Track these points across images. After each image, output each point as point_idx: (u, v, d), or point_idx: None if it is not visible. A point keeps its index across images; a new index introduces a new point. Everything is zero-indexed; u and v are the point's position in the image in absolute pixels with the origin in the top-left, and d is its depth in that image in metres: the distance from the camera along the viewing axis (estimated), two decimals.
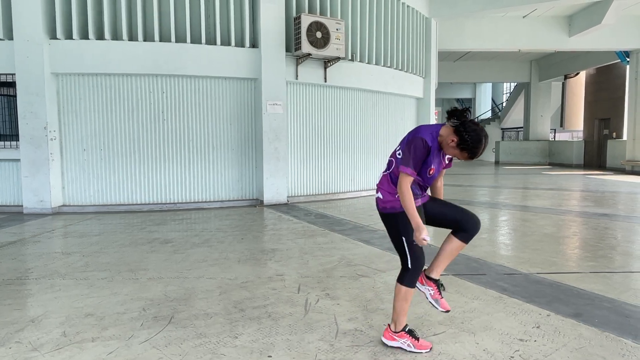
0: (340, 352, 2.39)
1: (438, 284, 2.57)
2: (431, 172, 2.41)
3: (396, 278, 2.46)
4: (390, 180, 2.46)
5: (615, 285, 3.46)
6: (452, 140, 2.29)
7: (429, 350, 2.41)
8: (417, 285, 2.49)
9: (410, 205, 2.27)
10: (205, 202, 7.92)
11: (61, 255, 4.53)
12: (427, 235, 2.24)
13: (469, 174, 15.68)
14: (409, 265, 2.38)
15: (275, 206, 7.88)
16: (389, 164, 2.49)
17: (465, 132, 2.24)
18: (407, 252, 2.38)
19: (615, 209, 7.32)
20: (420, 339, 2.44)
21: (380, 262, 4.19)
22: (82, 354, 2.38)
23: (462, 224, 2.46)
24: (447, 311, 2.55)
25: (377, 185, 2.55)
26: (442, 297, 2.56)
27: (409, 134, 2.44)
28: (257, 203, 8.11)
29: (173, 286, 3.50)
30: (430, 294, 2.54)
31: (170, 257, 4.39)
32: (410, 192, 2.30)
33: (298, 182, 8.68)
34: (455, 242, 2.46)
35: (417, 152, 2.31)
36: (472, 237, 2.48)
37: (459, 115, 2.29)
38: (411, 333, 2.44)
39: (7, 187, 7.48)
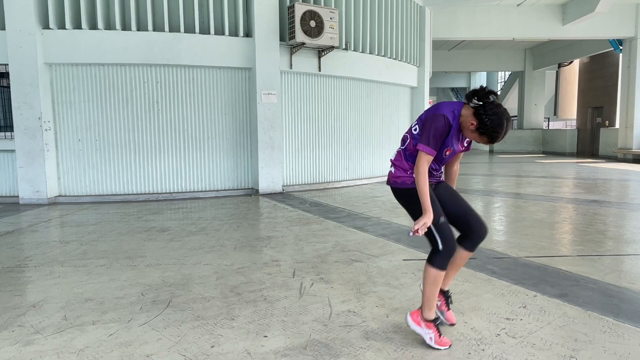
0: (333, 332, 2.47)
1: (446, 296, 2.52)
2: (448, 153, 2.29)
3: (425, 260, 2.30)
4: (403, 156, 2.36)
5: (601, 268, 3.57)
6: (472, 124, 2.16)
7: (447, 347, 2.25)
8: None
9: (424, 187, 2.16)
10: (201, 191, 7.98)
11: (59, 243, 4.59)
12: (427, 225, 2.14)
13: (463, 162, 15.77)
14: (440, 247, 2.21)
15: (271, 195, 7.95)
16: (404, 139, 2.39)
17: (485, 116, 2.11)
18: (435, 233, 2.21)
19: (606, 196, 7.44)
20: (442, 335, 2.29)
21: (373, 247, 4.28)
22: (84, 336, 2.45)
23: (466, 228, 2.34)
24: (452, 324, 2.49)
25: (390, 160, 2.46)
26: (450, 310, 2.52)
27: (428, 110, 2.29)
28: (253, 192, 8.17)
29: (170, 272, 3.57)
30: (436, 305, 2.41)
31: (167, 245, 4.46)
32: (427, 173, 2.17)
33: (293, 172, 8.73)
34: (461, 252, 2.35)
35: (438, 130, 2.17)
36: (477, 245, 2.35)
37: (482, 96, 2.13)
38: (438, 326, 2.30)
39: (3, 178, 7.49)
